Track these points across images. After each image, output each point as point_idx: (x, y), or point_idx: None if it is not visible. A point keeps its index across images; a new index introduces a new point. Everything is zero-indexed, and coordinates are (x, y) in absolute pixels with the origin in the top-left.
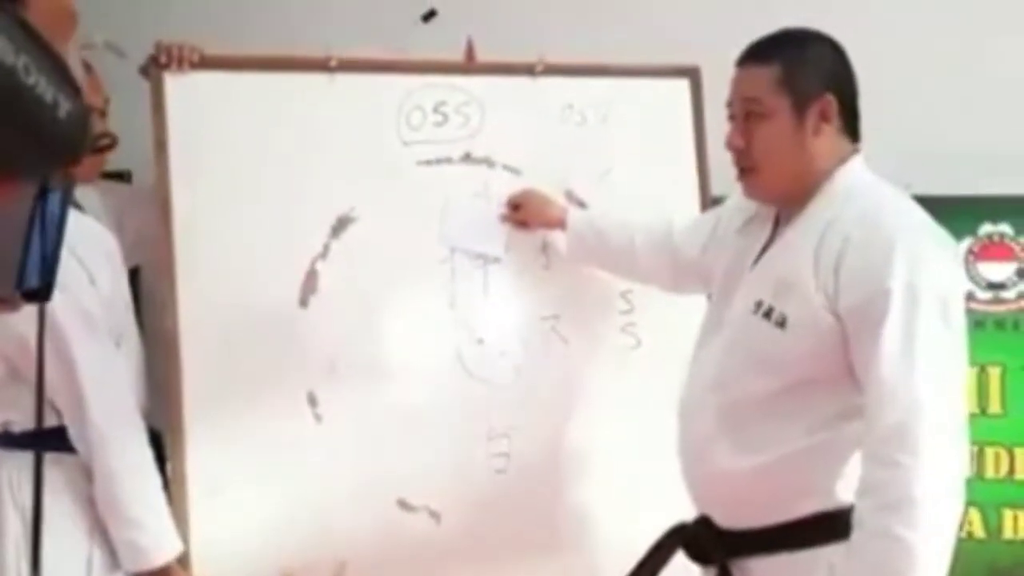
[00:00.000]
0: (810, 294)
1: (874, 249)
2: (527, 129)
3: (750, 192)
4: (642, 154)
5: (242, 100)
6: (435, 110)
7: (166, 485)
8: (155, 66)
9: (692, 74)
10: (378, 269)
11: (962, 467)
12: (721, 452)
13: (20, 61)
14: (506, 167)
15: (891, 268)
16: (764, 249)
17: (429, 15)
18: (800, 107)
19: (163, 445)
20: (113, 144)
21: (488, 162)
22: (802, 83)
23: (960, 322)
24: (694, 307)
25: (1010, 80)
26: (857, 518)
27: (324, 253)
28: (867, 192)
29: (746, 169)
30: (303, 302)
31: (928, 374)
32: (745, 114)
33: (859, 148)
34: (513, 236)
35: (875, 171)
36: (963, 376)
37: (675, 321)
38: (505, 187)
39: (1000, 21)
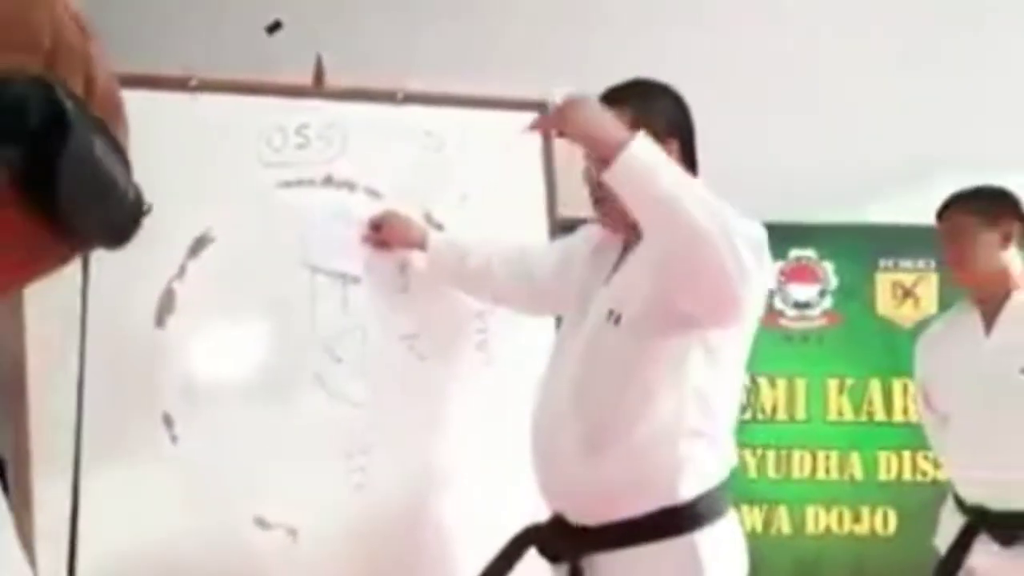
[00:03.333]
0: (644, 297)
1: None
2: (388, 154)
3: (605, 222)
4: (496, 180)
5: None
6: (297, 132)
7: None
8: None
9: (542, 108)
10: (236, 289)
11: None
12: (574, 452)
13: (106, 157)
14: (367, 190)
15: None
16: (615, 269)
17: (274, 26)
18: None
19: (5, 471)
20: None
21: (349, 185)
22: (651, 127)
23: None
24: (545, 326)
25: (815, 118)
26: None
27: (180, 273)
28: None
29: (601, 200)
30: (159, 322)
31: None
32: None
33: None
34: (373, 257)
35: None
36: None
37: (527, 338)
38: (366, 210)
39: (804, 58)
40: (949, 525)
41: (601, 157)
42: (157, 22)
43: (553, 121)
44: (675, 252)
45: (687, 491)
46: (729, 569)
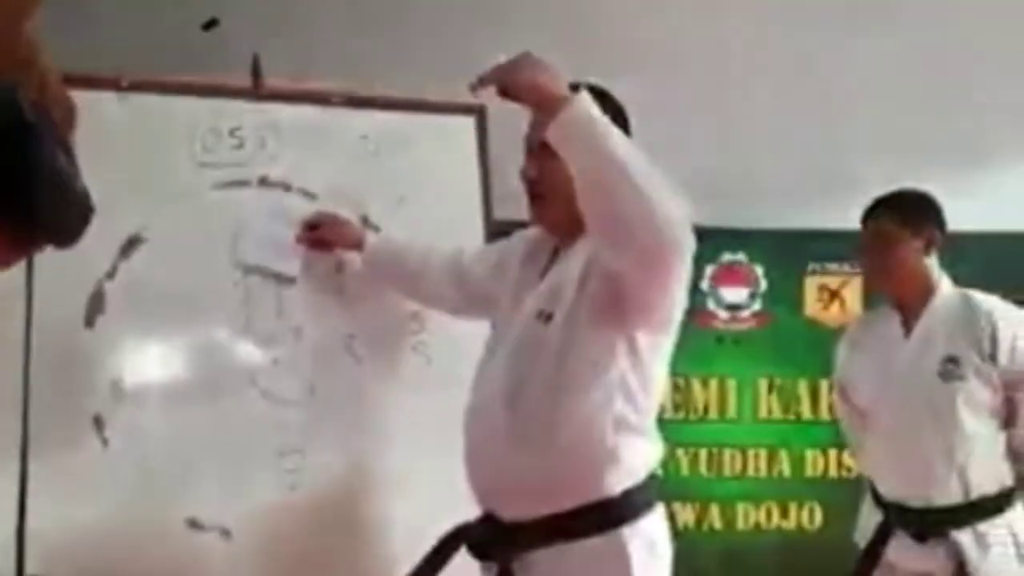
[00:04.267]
0: (573, 294)
1: None
2: (324, 156)
3: (539, 218)
4: (433, 182)
5: None
6: (231, 133)
7: None
8: None
9: (479, 112)
10: (169, 290)
11: None
12: (504, 449)
13: (63, 161)
14: (303, 192)
15: None
16: (546, 270)
17: (210, 24)
18: None
19: None
20: None
21: (285, 186)
22: None
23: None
24: (482, 328)
25: (750, 124)
26: None
27: (112, 273)
28: None
29: (537, 197)
30: (89, 322)
31: None
32: (539, 146)
33: None
34: (309, 257)
35: None
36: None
37: (464, 340)
38: (301, 211)
39: (744, 65)
40: (868, 520)
41: (546, 111)
42: (89, 18)
43: (498, 76)
44: (613, 204)
45: (616, 484)
46: (656, 563)
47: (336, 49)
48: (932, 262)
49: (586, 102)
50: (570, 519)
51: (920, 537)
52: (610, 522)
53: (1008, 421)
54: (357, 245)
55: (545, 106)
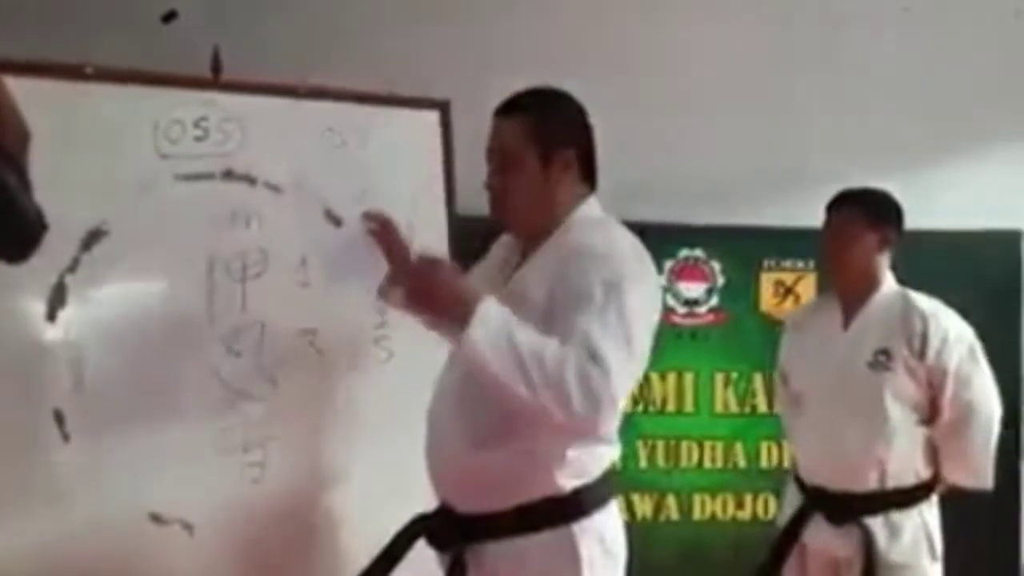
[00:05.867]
0: (539, 301)
1: (585, 259)
2: (289, 148)
3: (503, 221)
4: (397, 176)
5: None
6: (196, 125)
7: None
8: None
9: (443, 107)
10: (131, 283)
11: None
12: (461, 445)
13: (11, 180)
14: (267, 185)
15: (595, 272)
16: (513, 272)
17: (169, 16)
18: (545, 158)
19: None
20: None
21: (249, 179)
22: (548, 135)
23: (639, 316)
24: None
25: (708, 123)
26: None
27: (73, 266)
28: (593, 225)
29: (500, 207)
30: (51, 316)
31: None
32: (500, 161)
33: (594, 191)
34: (273, 252)
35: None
36: (638, 359)
37: (426, 335)
38: (266, 205)
39: (703, 64)
40: (791, 505)
41: (448, 326)
42: (51, 9)
43: (405, 287)
44: (525, 401)
45: (567, 483)
46: (607, 558)
47: (298, 41)
48: (883, 260)
49: (479, 332)
50: (521, 514)
51: (837, 521)
52: (561, 518)
53: (930, 418)
54: (404, 262)
55: (447, 323)
